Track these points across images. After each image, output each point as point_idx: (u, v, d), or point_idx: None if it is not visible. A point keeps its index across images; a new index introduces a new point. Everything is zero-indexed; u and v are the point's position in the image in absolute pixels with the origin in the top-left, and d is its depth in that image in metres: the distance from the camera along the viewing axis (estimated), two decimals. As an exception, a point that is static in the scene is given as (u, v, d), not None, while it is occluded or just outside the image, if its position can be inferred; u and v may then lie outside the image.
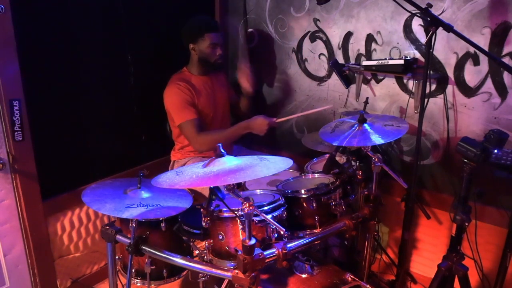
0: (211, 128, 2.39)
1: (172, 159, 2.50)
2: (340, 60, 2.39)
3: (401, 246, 2.13)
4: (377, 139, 1.72)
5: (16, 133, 1.91)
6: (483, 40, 1.92)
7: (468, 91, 2.03)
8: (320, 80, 2.54)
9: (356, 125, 1.84)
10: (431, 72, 2.05)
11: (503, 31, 1.86)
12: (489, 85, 1.96)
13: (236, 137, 2.31)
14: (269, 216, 1.49)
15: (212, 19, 2.42)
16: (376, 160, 1.73)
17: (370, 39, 2.27)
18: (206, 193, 2.08)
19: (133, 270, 1.85)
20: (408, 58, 2.10)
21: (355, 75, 2.36)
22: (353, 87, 2.40)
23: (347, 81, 2.32)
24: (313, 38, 2.50)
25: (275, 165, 1.37)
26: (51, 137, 2.12)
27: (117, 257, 1.82)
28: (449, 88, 2.08)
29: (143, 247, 1.58)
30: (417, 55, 2.14)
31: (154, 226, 1.79)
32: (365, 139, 1.74)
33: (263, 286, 1.65)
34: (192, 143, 2.31)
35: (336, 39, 2.40)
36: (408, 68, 2.07)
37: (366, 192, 1.83)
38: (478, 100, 2.01)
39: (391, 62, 2.09)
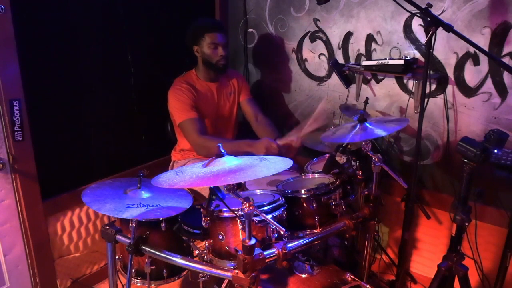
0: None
1: (173, 159, 2.50)
2: (340, 60, 2.39)
3: (401, 246, 2.13)
4: (380, 132, 1.77)
5: (16, 133, 1.91)
6: (483, 40, 1.92)
7: (468, 91, 2.03)
8: (320, 80, 2.54)
9: (357, 125, 1.86)
10: (431, 72, 2.05)
11: (503, 31, 1.86)
12: (489, 85, 1.96)
13: (238, 152, 1.88)
14: (269, 216, 1.49)
15: (215, 20, 2.40)
16: (376, 160, 1.74)
17: (370, 39, 2.27)
18: (206, 193, 2.08)
19: (133, 270, 1.85)
20: (408, 58, 2.10)
21: (355, 75, 2.36)
22: (353, 87, 2.40)
23: (347, 81, 2.32)
24: (313, 38, 2.50)
25: (275, 165, 1.37)
26: (51, 137, 2.12)
27: (117, 257, 1.82)
28: (449, 88, 2.08)
29: (143, 247, 1.58)
30: (417, 55, 2.14)
31: (154, 226, 1.79)
32: (367, 134, 1.79)
33: (263, 286, 1.65)
34: (191, 143, 2.24)
35: (336, 39, 2.40)
36: (408, 68, 2.07)
37: (366, 192, 1.82)
38: (478, 100, 2.01)
39: (391, 62, 2.09)
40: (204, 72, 2.36)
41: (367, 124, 1.85)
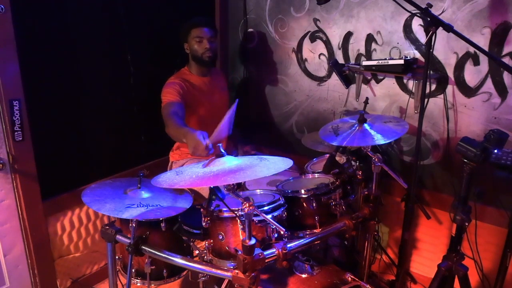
0: (208, 129, 2.29)
1: (171, 160, 2.50)
2: (340, 60, 2.39)
3: (401, 246, 2.13)
4: (378, 140, 1.74)
5: (16, 133, 1.91)
6: (483, 40, 1.92)
7: (468, 91, 2.03)
8: (320, 80, 2.54)
9: (356, 125, 1.86)
10: (431, 72, 2.05)
11: (503, 31, 1.86)
12: (489, 85, 1.96)
13: (180, 138, 1.96)
14: (269, 216, 1.49)
15: (202, 17, 2.41)
16: (376, 160, 1.74)
17: (370, 39, 2.27)
18: (206, 193, 2.08)
19: (133, 270, 1.85)
20: (408, 58, 2.10)
21: (355, 75, 2.36)
22: (353, 87, 2.40)
23: (347, 81, 2.32)
24: (313, 38, 2.50)
25: (275, 165, 1.37)
26: (51, 137, 2.12)
27: (117, 257, 1.82)
28: (449, 88, 2.08)
29: (143, 247, 1.58)
30: (417, 55, 2.14)
31: (154, 226, 1.79)
32: (365, 140, 1.76)
33: (263, 286, 1.65)
34: (164, 124, 2.13)
35: (336, 39, 2.40)
36: (408, 68, 2.07)
37: (366, 192, 1.83)
38: (478, 100, 2.01)
39: (391, 62, 2.09)
40: (195, 67, 2.39)
41: (366, 127, 1.85)
